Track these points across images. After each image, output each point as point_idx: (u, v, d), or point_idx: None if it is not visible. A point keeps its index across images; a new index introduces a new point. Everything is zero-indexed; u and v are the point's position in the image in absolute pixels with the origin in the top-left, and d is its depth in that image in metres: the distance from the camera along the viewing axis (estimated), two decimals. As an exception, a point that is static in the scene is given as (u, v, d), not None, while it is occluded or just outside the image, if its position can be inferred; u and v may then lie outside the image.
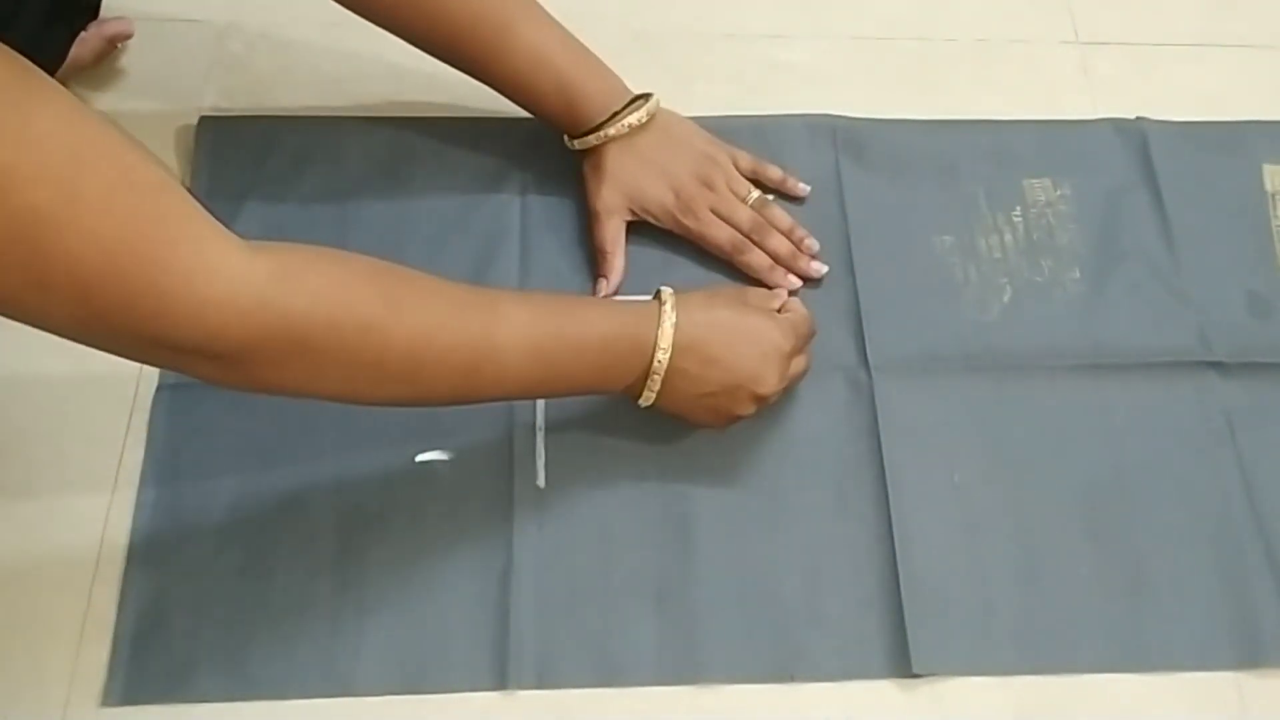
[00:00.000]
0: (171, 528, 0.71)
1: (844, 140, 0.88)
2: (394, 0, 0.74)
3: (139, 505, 0.72)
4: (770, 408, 0.77)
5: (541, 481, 0.74)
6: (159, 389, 0.75)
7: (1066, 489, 0.76)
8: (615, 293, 0.80)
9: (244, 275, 0.53)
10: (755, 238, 0.81)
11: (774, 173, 0.85)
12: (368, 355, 0.58)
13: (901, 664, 0.70)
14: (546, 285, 0.81)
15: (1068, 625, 0.72)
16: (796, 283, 0.81)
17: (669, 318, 0.68)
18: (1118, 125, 0.90)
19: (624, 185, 0.80)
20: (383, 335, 0.59)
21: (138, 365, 0.76)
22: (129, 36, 0.87)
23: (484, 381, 0.64)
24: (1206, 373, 0.80)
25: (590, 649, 0.70)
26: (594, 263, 0.81)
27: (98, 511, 0.72)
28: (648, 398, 0.69)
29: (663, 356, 0.67)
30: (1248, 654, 0.72)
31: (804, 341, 0.74)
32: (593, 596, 0.71)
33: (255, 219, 0.82)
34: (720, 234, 0.81)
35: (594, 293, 0.80)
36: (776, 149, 0.87)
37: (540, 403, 0.76)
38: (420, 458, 0.74)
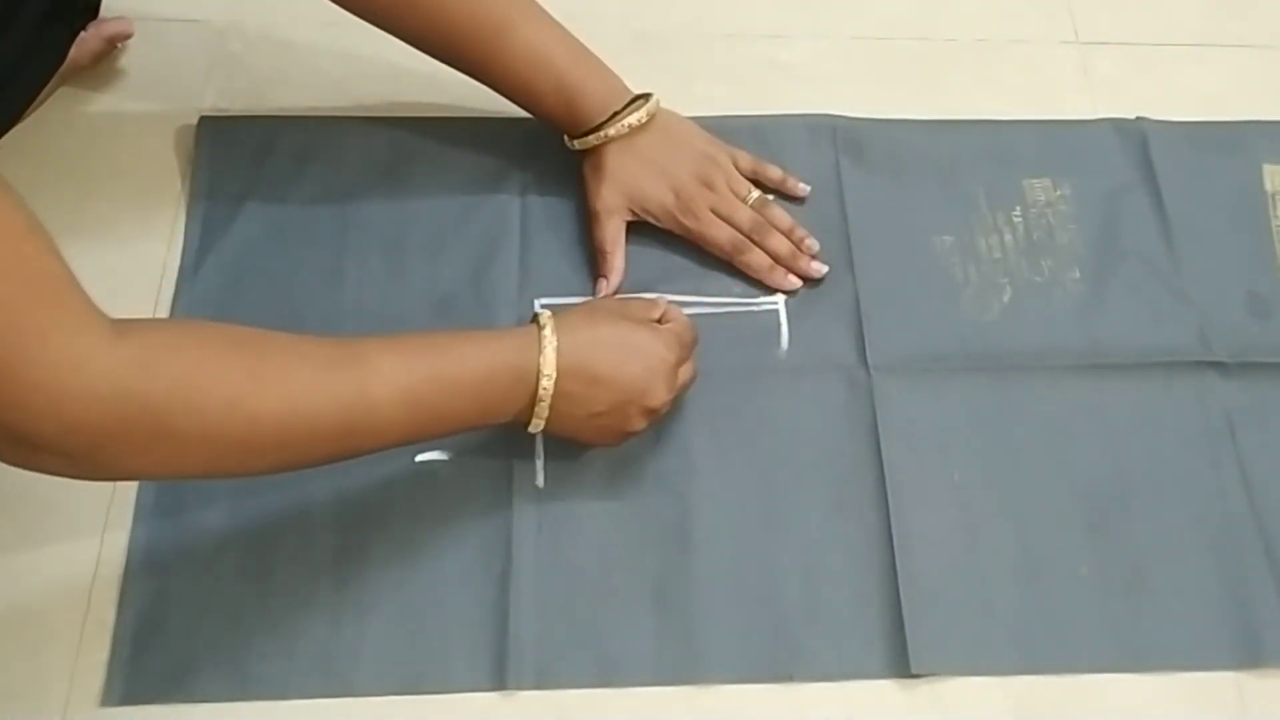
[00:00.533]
0: (171, 528, 0.71)
1: (844, 140, 0.88)
2: (392, 1, 0.74)
3: (139, 505, 0.72)
4: (769, 407, 0.77)
5: (541, 481, 0.74)
6: (159, 389, 0.75)
7: (1066, 489, 0.76)
8: (615, 292, 0.80)
9: (106, 365, 0.52)
10: (755, 238, 0.81)
11: (774, 173, 0.85)
12: (234, 432, 0.56)
13: (900, 664, 0.70)
14: (547, 285, 0.81)
15: (1067, 625, 0.72)
16: (797, 283, 0.81)
17: (550, 342, 0.66)
18: (1118, 125, 0.90)
19: (624, 185, 0.80)
20: (248, 410, 0.57)
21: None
22: (128, 37, 0.87)
23: (362, 437, 0.62)
24: (1206, 373, 0.80)
25: (589, 649, 0.70)
26: (594, 263, 0.81)
27: (98, 512, 0.72)
28: (537, 425, 0.68)
29: (548, 383, 0.65)
30: (1248, 654, 0.71)
31: (688, 350, 0.73)
32: (592, 596, 0.71)
33: (255, 219, 0.82)
34: (720, 234, 0.81)
35: (594, 293, 0.80)
36: (776, 149, 0.87)
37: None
38: (420, 458, 0.74)
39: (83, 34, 0.84)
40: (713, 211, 0.81)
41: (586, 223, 0.82)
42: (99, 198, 0.83)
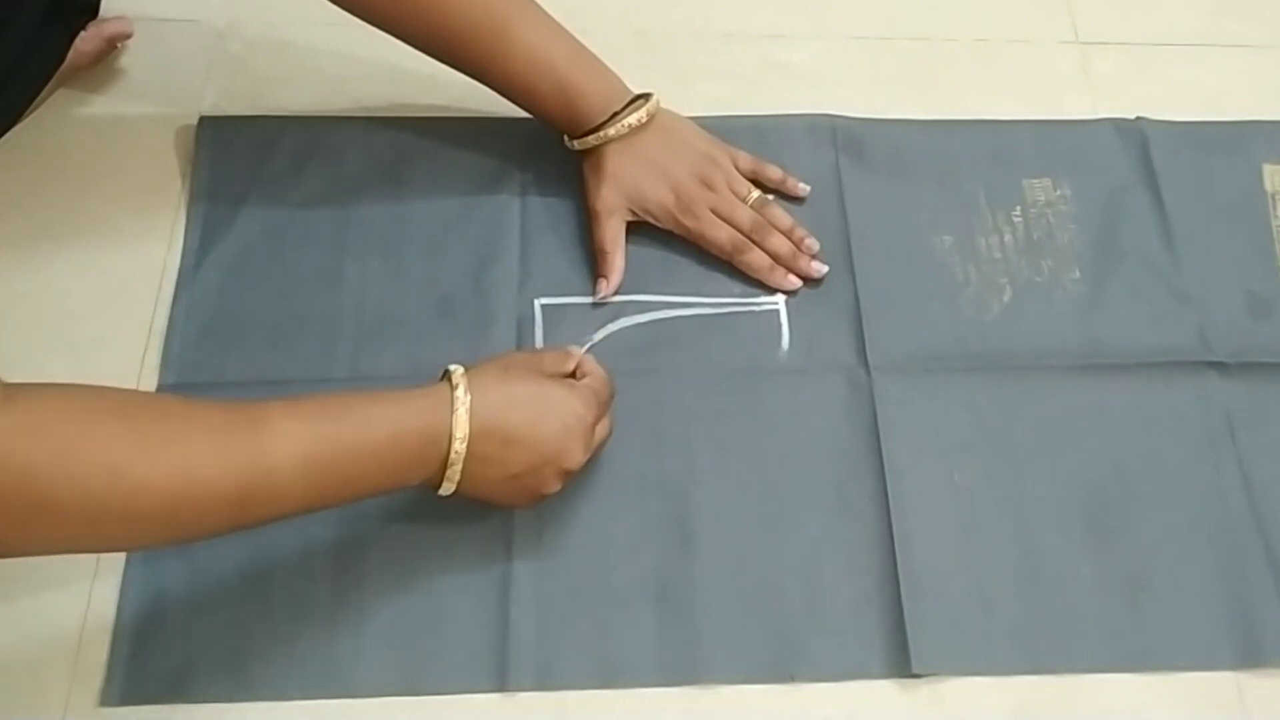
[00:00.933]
0: (171, 528, 0.71)
1: (844, 140, 0.88)
2: (391, 2, 0.74)
3: (139, 505, 0.72)
4: (770, 407, 0.77)
5: (541, 482, 0.74)
6: (158, 389, 0.75)
7: (1066, 489, 0.76)
8: (615, 292, 0.80)
9: None
10: (755, 237, 0.81)
11: (774, 173, 0.85)
12: (117, 503, 0.53)
13: (901, 664, 0.70)
14: (547, 286, 0.81)
15: (1068, 625, 0.72)
16: (797, 283, 0.81)
17: (463, 402, 0.63)
18: (1118, 125, 0.90)
19: (624, 186, 0.80)
20: (135, 479, 0.53)
21: (137, 368, 0.76)
22: (128, 36, 0.87)
23: (258, 507, 0.58)
24: (1206, 373, 0.80)
25: (590, 649, 0.70)
26: (594, 263, 0.81)
27: (98, 512, 0.72)
28: (448, 488, 0.65)
29: (460, 446, 0.62)
30: (1248, 654, 0.71)
31: (605, 407, 0.70)
32: (593, 597, 0.71)
33: (255, 219, 0.82)
34: (720, 234, 0.81)
35: (594, 293, 0.80)
36: (776, 149, 0.87)
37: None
38: (420, 458, 0.74)
39: (83, 34, 0.84)
40: (713, 212, 0.81)
41: (586, 223, 0.82)
42: (99, 198, 0.83)
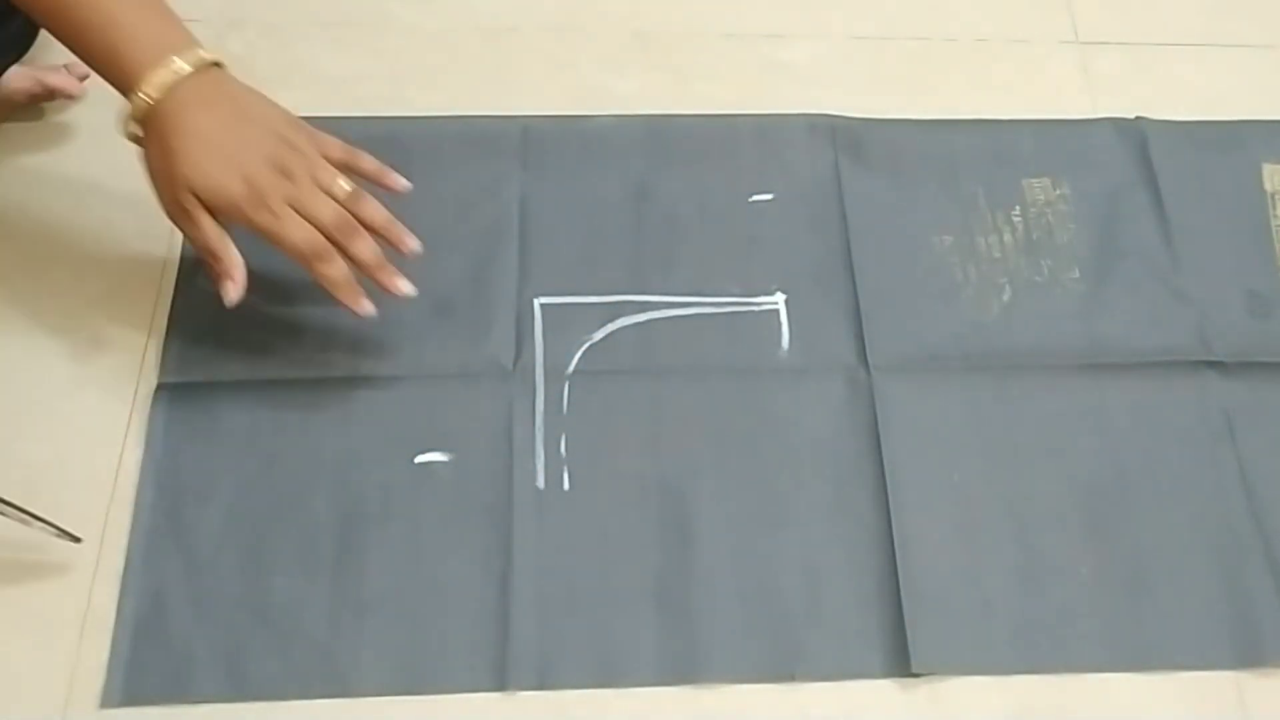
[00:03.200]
0: (171, 528, 0.71)
1: (844, 140, 0.88)
2: None
3: (138, 505, 0.72)
4: (770, 407, 0.77)
5: (541, 482, 0.74)
6: (159, 389, 0.76)
7: (1066, 489, 0.76)
8: (244, 286, 0.70)
9: None
10: (340, 239, 0.69)
11: (368, 164, 0.73)
12: None
13: (901, 663, 0.70)
14: (547, 286, 0.81)
15: (1067, 625, 0.72)
16: (371, 309, 0.71)
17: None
18: (1117, 125, 0.90)
19: (185, 177, 0.67)
20: None
21: (137, 365, 0.76)
22: (70, 97, 0.83)
23: None
24: (1206, 372, 0.80)
25: (590, 649, 0.70)
26: (591, 261, 0.81)
27: (97, 511, 0.72)
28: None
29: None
30: (1248, 654, 0.72)
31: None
32: (593, 596, 0.71)
33: (255, 219, 0.82)
34: (297, 235, 0.68)
35: (225, 298, 0.70)
36: (776, 149, 0.87)
37: (540, 402, 0.76)
38: (420, 458, 0.74)
39: (14, 70, 0.80)
40: (292, 206, 0.68)
41: (178, 225, 0.71)
42: (99, 198, 0.83)
